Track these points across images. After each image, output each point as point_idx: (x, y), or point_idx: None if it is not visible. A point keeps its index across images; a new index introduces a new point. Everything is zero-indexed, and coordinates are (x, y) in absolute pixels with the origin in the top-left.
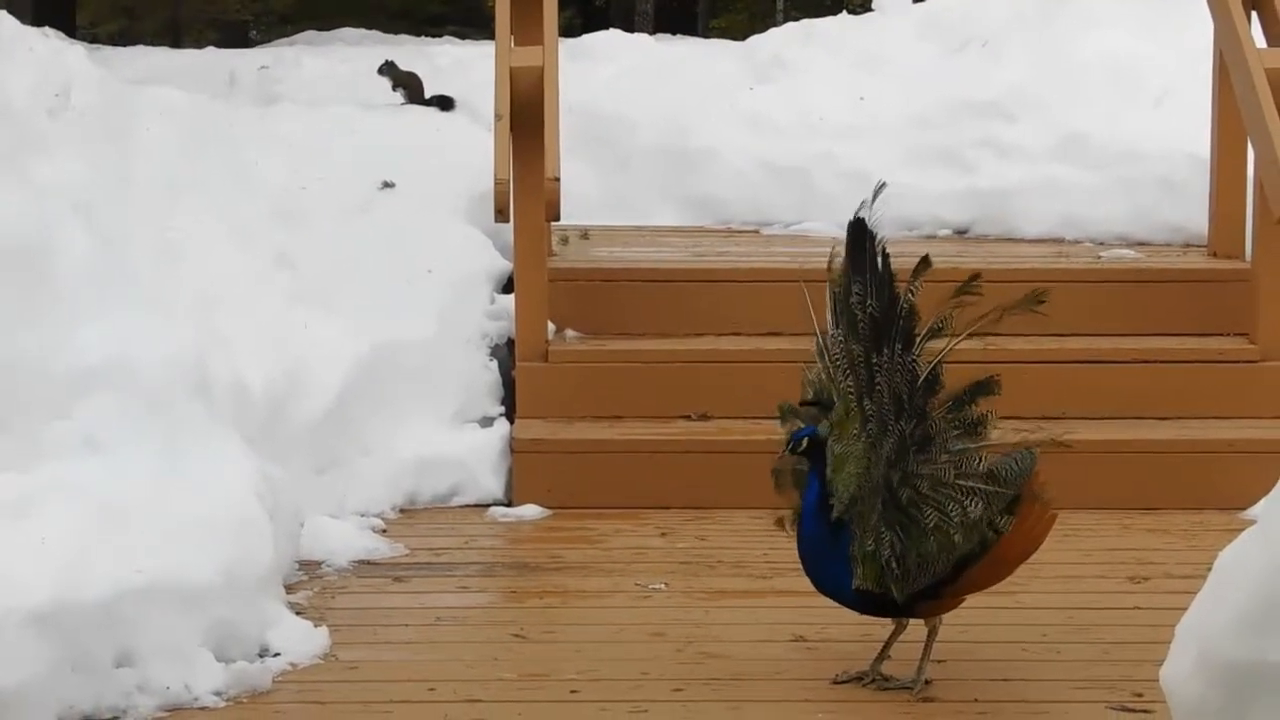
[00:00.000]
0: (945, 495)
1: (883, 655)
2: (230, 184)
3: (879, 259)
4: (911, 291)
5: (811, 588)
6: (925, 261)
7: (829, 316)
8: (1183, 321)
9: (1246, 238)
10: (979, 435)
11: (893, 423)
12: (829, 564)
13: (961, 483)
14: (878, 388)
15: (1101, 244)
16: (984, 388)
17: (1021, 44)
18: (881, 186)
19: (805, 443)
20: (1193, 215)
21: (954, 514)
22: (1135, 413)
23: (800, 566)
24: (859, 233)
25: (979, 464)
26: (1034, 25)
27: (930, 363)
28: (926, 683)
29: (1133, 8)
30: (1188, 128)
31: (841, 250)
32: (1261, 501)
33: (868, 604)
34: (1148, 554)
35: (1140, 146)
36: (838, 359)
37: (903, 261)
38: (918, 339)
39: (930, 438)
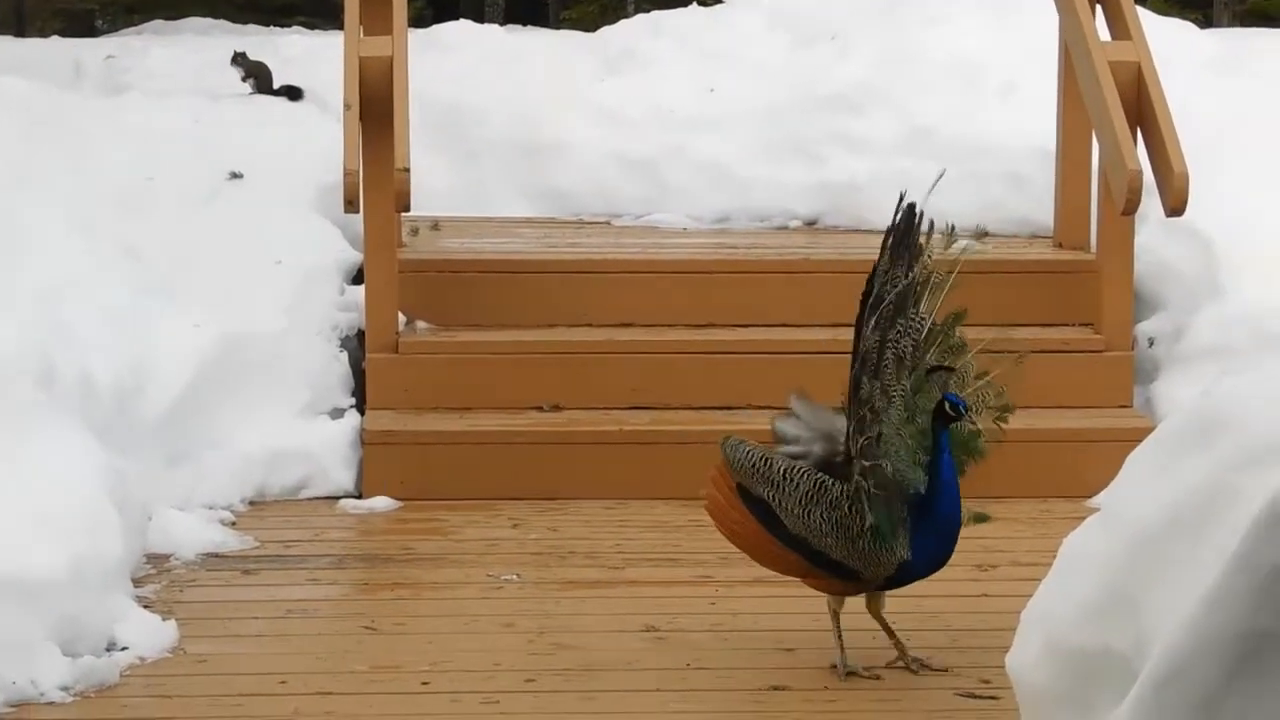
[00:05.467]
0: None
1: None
2: (75, 174)
3: (920, 238)
4: (929, 256)
5: (664, 579)
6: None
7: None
8: (1028, 312)
9: (1091, 229)
10: (964, 355)
11: (895, 386)
12: None
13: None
14: (885, 363)
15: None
16: (959, 318)
17: (870, 37)
18: (940, 174)
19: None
20: (1039, 207)
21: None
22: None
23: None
24: (911, 217)
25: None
26: (882, 19)
27: (930, 314)
28: None
29: (979, 1)
30: (1034, 121)
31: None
32: (1105, 490)
33: None
34: (995, 542)
35: (987, 140)
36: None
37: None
38: (923, 297)
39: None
